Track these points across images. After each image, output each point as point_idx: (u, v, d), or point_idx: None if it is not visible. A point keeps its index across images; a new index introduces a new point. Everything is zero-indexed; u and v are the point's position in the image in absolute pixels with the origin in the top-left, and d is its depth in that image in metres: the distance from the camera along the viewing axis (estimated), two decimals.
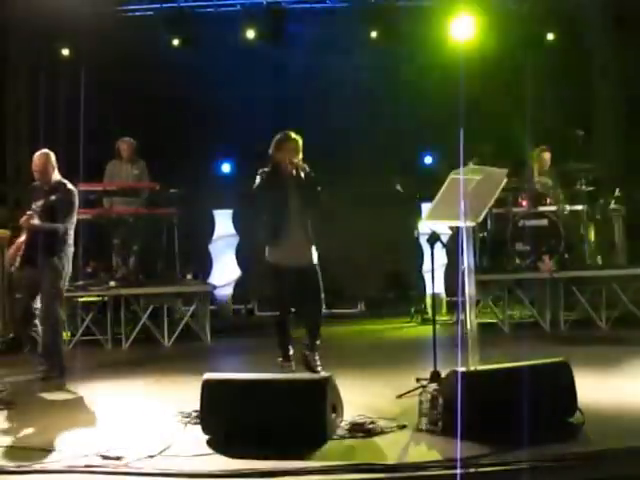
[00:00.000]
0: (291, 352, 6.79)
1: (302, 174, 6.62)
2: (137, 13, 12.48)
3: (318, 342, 6.77)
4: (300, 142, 6.69)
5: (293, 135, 6.70)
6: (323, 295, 6.73)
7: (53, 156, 7.14)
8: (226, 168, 13.13)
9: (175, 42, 12.27)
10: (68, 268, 7.07)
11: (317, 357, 6.69)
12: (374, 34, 12.31)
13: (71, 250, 7.10)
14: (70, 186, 7.12)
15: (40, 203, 6.97)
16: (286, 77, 12.44)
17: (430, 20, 11.86)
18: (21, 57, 12.43)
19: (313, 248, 6.72)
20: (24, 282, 7.07)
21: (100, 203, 9.78)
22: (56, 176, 7.15)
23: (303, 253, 6.66)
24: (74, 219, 7.12)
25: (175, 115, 11.90)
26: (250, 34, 12.27)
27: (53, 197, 6.97)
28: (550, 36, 12.18)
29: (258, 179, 6.67)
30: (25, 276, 7.03)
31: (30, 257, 6.90)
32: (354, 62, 12.26)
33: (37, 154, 7.11)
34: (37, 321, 6.91)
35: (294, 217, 6.67)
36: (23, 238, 6.95)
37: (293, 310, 6.89)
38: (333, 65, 12.15)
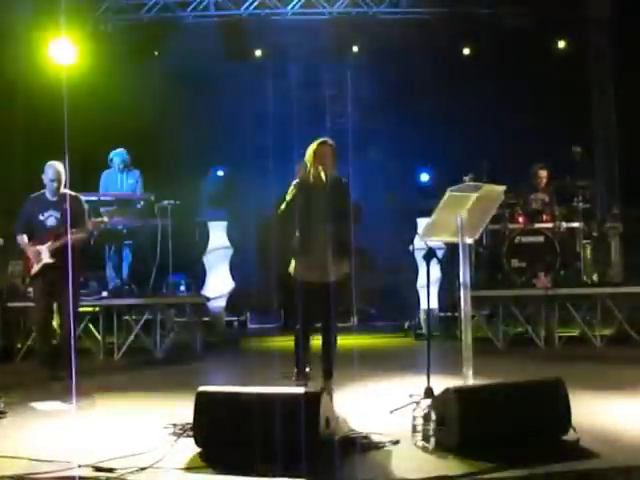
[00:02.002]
0: (307, 369, 6.33)
1: (332, 182, 6.26)
2: (131, 22, 12.48)
3: (333, 369, 6.36)
4: (334, 148, 6.32)
5: (326, 139, 6.32)
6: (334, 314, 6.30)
7: None
8: (222, 179, 13.09)
9: (169, 52, 12.27)
10: None
11: (331, 387, 6.18)
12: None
13: None
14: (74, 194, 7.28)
15: (55, 214, 7.15)
16: (281, 87, 12.44)
17: None
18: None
19: (343, 262, 6.32)
20: (44, 289, 7.12)
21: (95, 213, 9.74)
22: None
23: (327, 268, 6.17)
24: None
25: (171, 125, 11.89)
26: None
27: (67, 206, 7.14)
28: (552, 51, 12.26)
29: (289, 189, 6.31)
30: (45, 283, 7.11)
31: (54, 264, 7.04)
32: (350, 73, 12.27)
33: (55, 165, 7.23)
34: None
35: (320, 229, 6.22)
36: (46, 245, 7.08)
37: (317, 325, 6.46)
38: (328, 75, 12.16)
